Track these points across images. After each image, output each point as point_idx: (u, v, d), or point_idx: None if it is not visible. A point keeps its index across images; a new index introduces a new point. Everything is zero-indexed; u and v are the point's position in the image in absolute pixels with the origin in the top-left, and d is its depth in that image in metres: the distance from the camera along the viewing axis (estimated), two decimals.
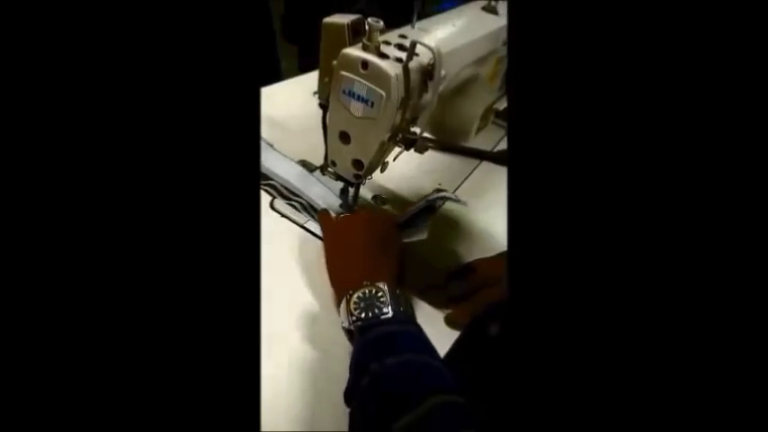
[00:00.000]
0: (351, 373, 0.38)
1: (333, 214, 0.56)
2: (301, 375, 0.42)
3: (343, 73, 0.43)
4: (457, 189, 0.67)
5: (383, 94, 0.41)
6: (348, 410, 0.36)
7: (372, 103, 0.43)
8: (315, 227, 0.56)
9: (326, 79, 0.46)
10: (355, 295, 0.43)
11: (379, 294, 0.42)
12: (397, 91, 0.41)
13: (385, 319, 0.40)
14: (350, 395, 0.36)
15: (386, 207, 0.61)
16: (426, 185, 0.67)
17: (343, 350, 0.43)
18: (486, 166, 0.73)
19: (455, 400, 0.32)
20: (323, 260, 0.50)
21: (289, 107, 0.75)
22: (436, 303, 0.50)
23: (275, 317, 0.46)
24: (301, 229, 0.56)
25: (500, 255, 0.53)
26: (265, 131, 0.69)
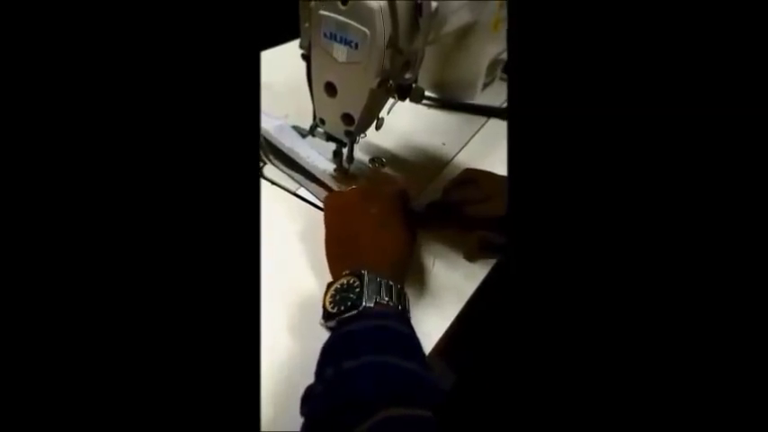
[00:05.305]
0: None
1: (335, 187, 0.51)
2: (303, 371, 0.36)
3: (323, 12, 0.38)
4: (463, 149, 0.62)
5: (367, 32, 0.37)
6: None
7: (356, 44, 0.38)
8: (308, 194, 0.52)
9: (307, 24, 0.41)
10: (332, 288, 0.37)
11: (355, 285, 0.36)
12: (383, 28, 0.36)
13: (355, 314, 0.34)
14: (303, 403, 0.31)
15: (385, 170, 0.56)
16: (429, 145, 0.62)
17: None
18: (494, 123, 0.68)
19: (409, 414, 0.27)
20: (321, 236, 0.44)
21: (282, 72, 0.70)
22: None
23: (274, 307, 0.41)
24: (295, 197, 0.52)
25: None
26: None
